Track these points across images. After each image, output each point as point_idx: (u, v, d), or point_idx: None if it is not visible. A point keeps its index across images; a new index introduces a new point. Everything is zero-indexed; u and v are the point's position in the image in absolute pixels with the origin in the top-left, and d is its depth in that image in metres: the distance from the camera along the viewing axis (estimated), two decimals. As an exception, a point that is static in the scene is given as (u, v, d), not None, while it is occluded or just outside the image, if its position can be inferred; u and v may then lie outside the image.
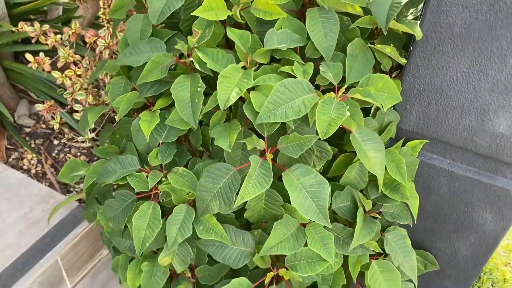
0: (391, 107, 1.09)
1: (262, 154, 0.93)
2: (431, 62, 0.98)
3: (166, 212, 1.04)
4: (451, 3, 0.90)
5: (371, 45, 1.01)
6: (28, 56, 1.43)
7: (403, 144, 1.13)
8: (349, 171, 1.06)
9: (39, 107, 1.51)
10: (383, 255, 1.09)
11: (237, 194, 0.90)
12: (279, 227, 0.95)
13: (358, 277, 1.13)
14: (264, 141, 0.91)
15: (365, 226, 1.00)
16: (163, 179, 1.01)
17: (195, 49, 0.98)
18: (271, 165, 0.87)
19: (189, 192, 0.99)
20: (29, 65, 1.43)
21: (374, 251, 1.05)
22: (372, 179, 1.12)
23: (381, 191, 1.07)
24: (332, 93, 0.90)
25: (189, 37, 0.99)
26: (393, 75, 1.08)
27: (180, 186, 0.96)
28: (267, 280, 0.97)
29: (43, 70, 1.46)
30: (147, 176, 1.00)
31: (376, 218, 1.07)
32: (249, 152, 0.95)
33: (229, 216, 1.02)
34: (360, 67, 0.98)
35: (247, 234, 1.00)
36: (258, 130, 0.90)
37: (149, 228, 0.96)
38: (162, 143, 1.03)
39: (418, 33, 0.96)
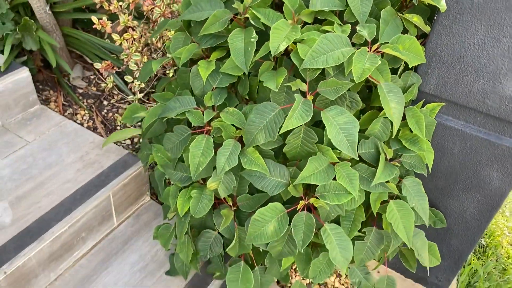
0: (413, 71, 1.25)
1: (304, 96, 1.09)
2: (452, 30, 1.15)
3: (215, 147, 1.21)
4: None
5: (400, 14, 1.18)
6: (93, 19, 1.62)
7: (423, 106, 1.29)
8: (374, 123, 1.22)
9: (97, 65, 1.71)
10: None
11: (280, 128, 1.08)
12: (313, 162, 1.11)
13: (376, 219, 1.29)
14: (306, 84, 1.08)
15: (386, 168, 1.16)
16: (215, 118, 1.19)
17: (250, 8, 1.15)
18: (311, 103, 1.04)
19: (237, 130, 1.16)
20: (94, 26, 1.62)
21: (391, 194, 1.21)
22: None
23: (401, 143, 1.23)
24: (365, 47, 1.07)
25: (245, -3, 1.17)
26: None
27: (230, 122, 1.13)
28: (299, 206, 1.13)
29: (105, 32, 1.66)
30: (202, 113, 1.17)
31: (397, 166, 1.23)
32: (292, 96, 1.12)
33: (269, 153, 1.19)
34: (391, 30, 1.15)
35: (284, 167, 1.16)
36: (302, 75, 1.07)
37: (203, 155, 1.14)
38: (215, 88, 1.21)
39: (442, 6, 1.13)
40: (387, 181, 1.20)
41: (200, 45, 1.22)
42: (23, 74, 1.70)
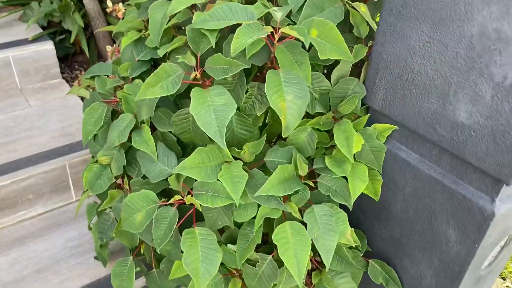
0: (359, 81, 1.03)
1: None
2: (396, 28, 0.91)
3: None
4: (412, -43, 0.83)
5: (348, 4, 0.98)
6: (108, 2, 1.70)
7: (369, 125, 1.04)
8: (300, 132, 1.02)
9: (108, 48, 1.77)
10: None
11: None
12: (201, 153, 0.95)
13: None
14: (197, 59, 0.95)
15: (285, 181, 0.95)
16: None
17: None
18: (183, 75, 0.90)
19: (142, 106, 1.07)
20: (107, 9, 1.70)
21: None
22: (326, 153, 1.06)
23: (326, 163, 1.00)
24: (268, 26, 0.90)
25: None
26: (368, 44, 1.02)
27: (128, 91, 1.05)
28: (171, 200, 0.98)
29: (117, 16, 1.72)
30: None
31: (312, 187, 1.01)
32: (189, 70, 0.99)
33: (170, 138, 1.07)
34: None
35: (173, 156, 1.03)
36: (191, 46, 0.95)
37: (94, 124, 1.07)
38: (139, 60, 1.14)
39: None
40: (289, 201, 0.98)
41: (138, 17, 1.17)
42: (47, 47, 1.84)
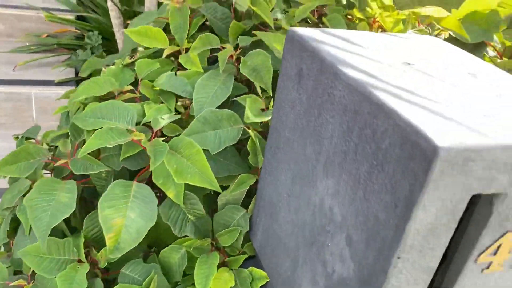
0: (245, 214, 0.90)
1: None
2: (272, 168, 0.79)
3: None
4: (284, 99, 0.72)
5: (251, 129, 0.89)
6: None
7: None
8: (173, 251, 0.92)
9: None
10: None
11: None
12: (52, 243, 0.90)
13: None
14: (73, 148, 0.92)
15: None
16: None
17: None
18: (41, 164, 0.87)
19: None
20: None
21: None
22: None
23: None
24: (140, 134, 0.83)
25: None
26: (261, 177, 0.90)
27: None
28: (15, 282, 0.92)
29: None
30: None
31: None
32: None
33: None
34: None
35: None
36: (70, 134, 0.91)
37: None
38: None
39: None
40: None
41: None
42: (68, 92, 1.96)
